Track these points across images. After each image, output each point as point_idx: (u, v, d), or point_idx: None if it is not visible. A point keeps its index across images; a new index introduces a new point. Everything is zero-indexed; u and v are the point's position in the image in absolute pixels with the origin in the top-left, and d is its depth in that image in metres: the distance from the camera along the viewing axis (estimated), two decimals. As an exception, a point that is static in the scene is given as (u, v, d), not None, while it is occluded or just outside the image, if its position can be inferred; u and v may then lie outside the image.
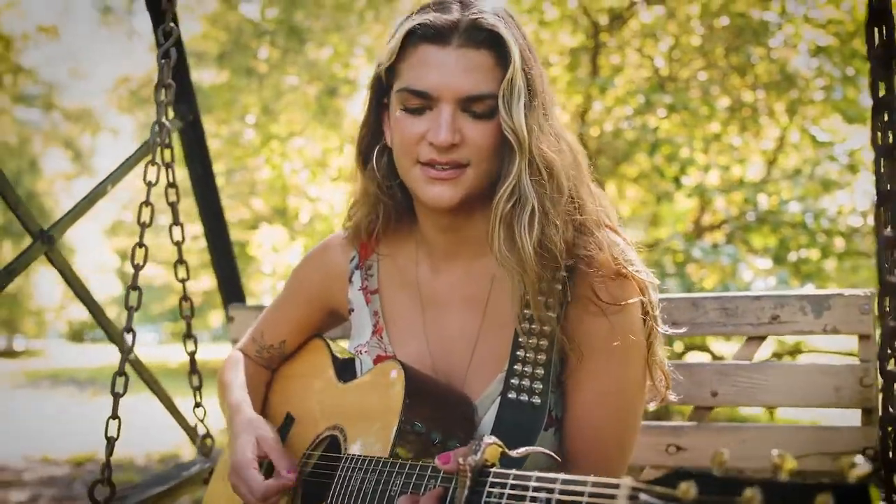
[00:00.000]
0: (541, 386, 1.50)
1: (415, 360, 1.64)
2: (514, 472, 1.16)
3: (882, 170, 1.54)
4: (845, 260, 7.41)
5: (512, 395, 1.52)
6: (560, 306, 1.51)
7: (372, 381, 1.59)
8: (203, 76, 10.34)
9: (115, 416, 2.00)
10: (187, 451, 8.23)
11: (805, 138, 8.09)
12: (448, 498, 1.24)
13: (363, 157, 1.66)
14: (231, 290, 2.66)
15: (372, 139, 1.65)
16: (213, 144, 9.43)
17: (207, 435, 2.38)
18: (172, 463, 7.76)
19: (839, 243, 7.09)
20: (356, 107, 9.46)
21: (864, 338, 2.01)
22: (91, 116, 23.04)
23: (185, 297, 2.33)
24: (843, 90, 7.53)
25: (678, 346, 6.65)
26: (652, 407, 1.64)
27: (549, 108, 1.53)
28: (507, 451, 1.22)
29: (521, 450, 1.23)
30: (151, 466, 7.74)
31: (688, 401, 2.09)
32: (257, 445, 1.61)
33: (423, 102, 1.48)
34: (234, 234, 13.84)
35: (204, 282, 16.00)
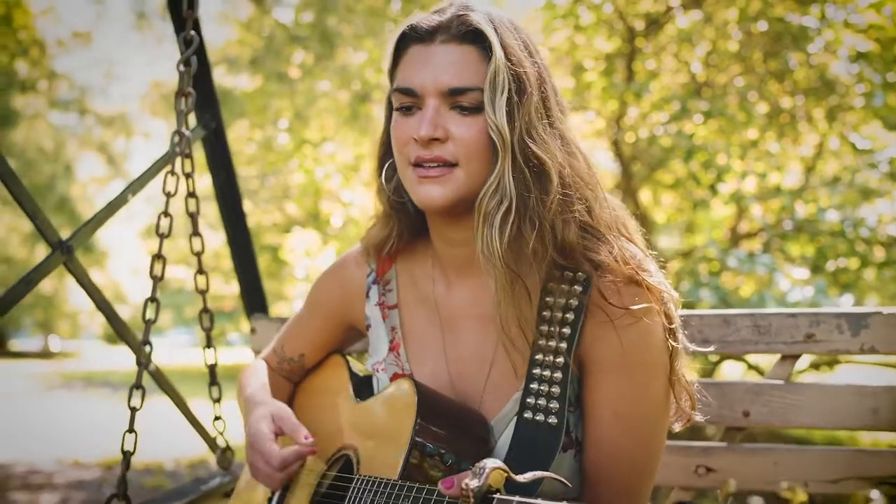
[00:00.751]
0: (557, 405, 1.44)
1: (433, 378, 1.60)
2: (517, 498, 1.11)
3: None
4: (885, 270, 7.26)
5: (528, 414, 1.46)
6: (574, 316, 1.45)
7: (385, 400, 1.55)
8: (237, 82, 10.37)
9: (131, 429, 1.98)
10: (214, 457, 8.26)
11: (844, 145, 7.94)
12: None
13: (378, 173, 1.63)
14: (254, 300, 2.62)
15: (385, 155, 1.62)
16: (246, 149, 9.47)
17: (227, 448, 2.34)
18: (202, 469, 7.77)
19: (879, 253, 6.94)
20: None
21: (903, 357, 1.93)
22: (124, 121, 23.26)
23: (205, 309, 2.30)
24: (884, 96, 7.38)
25: (712, 357, 6.55)
26: (677, 428, 1.57)
27: (552, 110, 1.49)
28: (512, 475, 1.16)
29: (528, 475, 1.18)
30: (181, 472, 7.75)
31: (718, 420, 2.02)
32: (271, 420, 1.59)
33: (411, 101, 1.47)
34: (268, 239, 13.87)
35: (235, 286, 16.08)
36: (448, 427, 1.45)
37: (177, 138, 2.13)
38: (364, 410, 1.61)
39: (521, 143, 1.42)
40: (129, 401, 1.99)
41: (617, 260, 1.43)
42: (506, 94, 1.41)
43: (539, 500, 1.08)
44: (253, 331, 2.41)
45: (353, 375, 1.78)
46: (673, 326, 1.46)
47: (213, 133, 2.52)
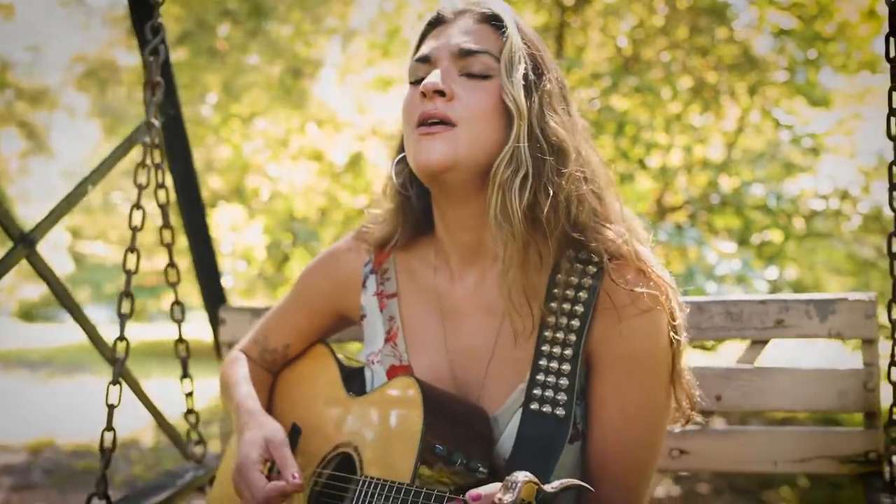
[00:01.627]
0: (565, 397, 1.46)
1: (432, 369, 1.61)
2: (560, 513, 1.12)
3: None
4: (805, 241, 7.49)
5: (534, 406, 1.48)
6: (584, 308, 1.47)
7: (387, 398, 1.54)
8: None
9: (109, 427, 1.94)
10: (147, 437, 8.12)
11: (767, 120, 8.13)
12: None
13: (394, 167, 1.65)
14: (214, 292, 2.59)
15: (399, 152, 1.65)
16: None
17: (199, 441, 2.32)
18: (134, 449, 7.65)
19: (800, 226, 7.15)
20: (320, 86, 9.35)
21: (867, 342, 2.01)
22: (47, 95, 22.45)
23: (176, 301, 2.26)
24: (807, 73, 7.58)
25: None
26: (677, 429, 1.61)
27: (569, 102, 1.54)
28: (542, 486, 1.17)
29: (556, 484, 1.19)
30: (162, 447, 7.61)
31: (692, 404, 2.08)
32: (265, 447, 1.56)
33: (426, 69, 1.50)
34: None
35: (157, 262, 15.75)
36: (453, 425, 1.46)
37: (146, 128, 2.08)
38: (363, 407, 1.60)
39: (540, 116, 1.46)
40: (106, 398, 1.95)
41: (627, 250, 1.47)
42: (522, 69, 1.46)
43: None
44: (222, 322, 2.38)
45: (341, 367, 1.77)
46: (676, 322, 1.49)
47: (173, 120, 2.47)
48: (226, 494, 1.81)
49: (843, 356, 6.81)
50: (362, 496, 1.44)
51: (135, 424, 8.14)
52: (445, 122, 1.44)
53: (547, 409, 1.47)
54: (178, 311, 2.27)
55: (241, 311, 2.38)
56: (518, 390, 1.52)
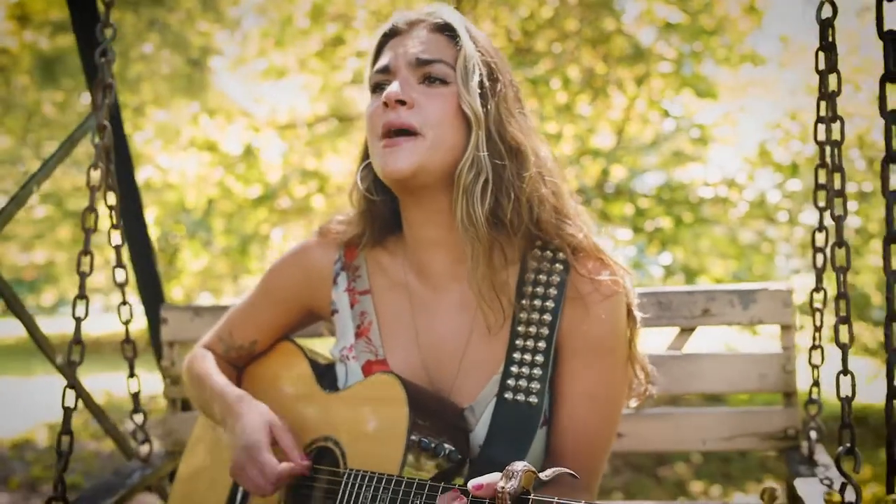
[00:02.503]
0: (538, 385, 1.55)
1: (405, 363, 1.67)
2: (556, 499, 1.21)
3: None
4: (694, 227, 7.82)
5: (508, 395, 1.57)
6: (554, 304, 1.57)
7: (368, 394, 1.60)
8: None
9: (66, 430, 1.94)
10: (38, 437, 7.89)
11: (654, 109, 8.42)
12: None
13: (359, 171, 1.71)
14: (153, 291, 2.59)
15: (364, 158, 1.70)
16: (65, 117, 9.00)
17: (146, 440, 2.33)
18: (29, 450, 7.43)
19: (690, 213, 7.46)
20: (215, 76, 9.22)
21: (785, 328, 2.18)
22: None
23: (123, 301, 2.26)
24: (693, 66, 7.90)
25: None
26: (634, 404, 1.73)
27: (523, 105, 1.63)
28: (537, 474, 1.26)
29: (549, 472, 1.28)
30: (3, 453, 7.37)
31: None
32: (269, 430, 1.60)
33: (384, 77, 1.57)
34: (73, 204, 13.21)
35: (37, 254, 15.19)
36: (433, 419, 1.53)
37: (97, 131, 2.08)
38: (341, 403, 1.65)
39: (498, 122, 1.54)
40: (62, 401, 1.95)
41: (588, 243, 1.58)
42: (477, 77, 1.53)
43: (582, 500, 1.19)
44: (164, 321, 2.39)
45: (311, 363, 1.81)
46: (633, 304, 1.61)
47: (111, 122, 2.46)
48: (194, 489, 1.85)
49: (757, 342, 7.15)
50: (349, 487, 1.50)
51: (22, 426, 7.95)
52: (409, 131, 1.51)
53: (521, 397, 1.56)
54: (125, 312, 2.27)
55: (183, 310, 2.39)
56: (492, 381, 1.60)
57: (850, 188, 6.87)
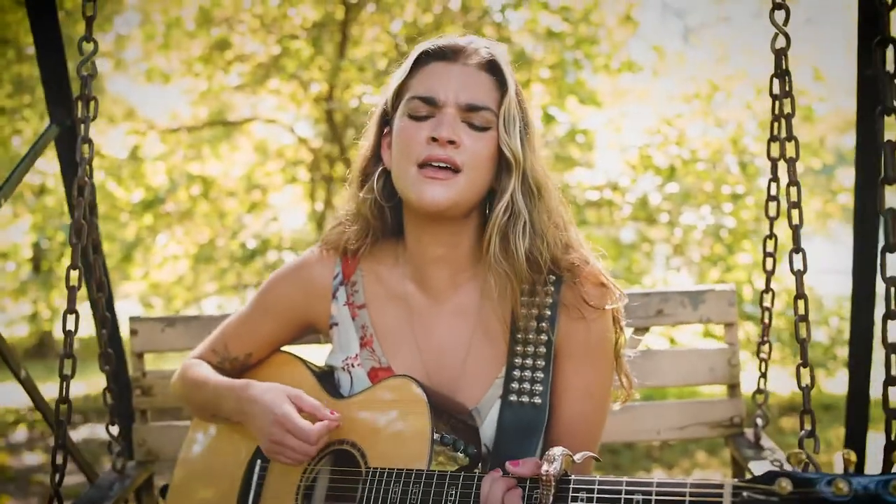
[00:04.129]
0: (541, 387, 1.70)
1: (409, 369, 1.78)
2: (598, 478, 1.36)
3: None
4: (581, 228, 8.11)
5: (513, 397, 1.71)
6: (550, 312, 1.72)
7: (385, 397, 1.70)
8: None
9: (60, 445, 1.96)
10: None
11: (541, 116, 8.68)
12: (526, 502, 1.41)
13: (363, 180, 1.80)
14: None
15: (373, 164, 1.79)
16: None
17: (121, 453, 2.35)
18: None
19: (576, 215, 7.75)
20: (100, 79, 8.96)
21: (729, 325, 2.39)
22: None
23: (104, 312, 2.28)
24: (576, 73, 8.21)
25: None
26: (617, 407, 1.89)
27: (540, 145, 1.75)
28: (574, 457, 1.41)
29: (578, 455, 1.43)
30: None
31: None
32: (289, 400, 1.69)
33: (429, 109, 1.66)
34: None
35: None
36: (449, 418, 1.66)
37: (82, 144, 2.10)
38: (355, 406, 1.74)
39: (532, 168, 1.68)
40: (55, 417, 1.97)
41: (589, 269, 1.73)
42: (518, 124, 1.66)
43: (624, 478, 1.34)
44: (134, 332, 2.41)
45: (314, 373, 1.90)
46: (620, 319, 1.78)
47: (68, 131, 2.47)
48: (198, 491, 1.90)
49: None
50: (374, 485, 1.60)
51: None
52: (452, 167, 1.63)
53: (525, 399, 1.70)
54: (105, 323, 2.29)
55: (154, 322, 2.43)
56: (495, 384, 1.74)
57: (725, 190, 7.32)
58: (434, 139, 1.62)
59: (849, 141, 12.32)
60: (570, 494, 1.37)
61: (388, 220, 1.83)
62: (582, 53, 8.30)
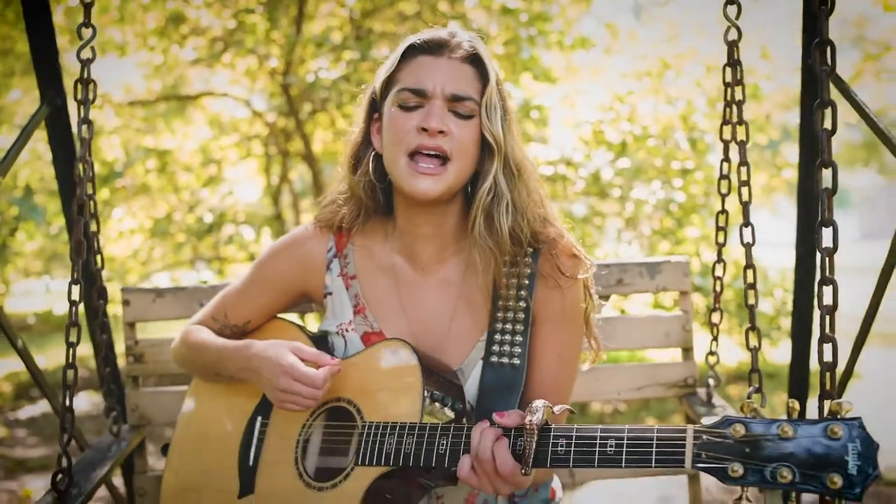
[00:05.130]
0: (520, 349, 1.87)
1: (399, 333, 1.95)
2: (576, 427, 1.54)
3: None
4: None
5: (494, 358, 1.88)
6: (528, 281, 1.88)
7: (380, 357, 1.86)
8: None
9: (68, 408, 2.09)
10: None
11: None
12: (511, 449, 1.58)
13: (355, 162, 1.95)
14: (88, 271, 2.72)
15: (364, 148, 1.94)
16: None
17: (118, 418, 2.48)
18: None
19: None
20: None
21: (683, 293, 2.59)
22: None
23: (102, 286, 2.40)
24: (530, 50, 8.35)
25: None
26: (586, 367, 2.06)
27: (518, 129, 1.91)
28: (553, 409, 1.58)
29: (558, 407, 1.61)
30: None
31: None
32: (292, 352, 1.85)
33: (418, 100, 1.81)
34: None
35: None
36: (436, 376, 1.82)
37: (83, 132, 2.21)
38: (350, 367, 1.89)
39: (512, 151, 1.84)
40: (63, 381, 2.10)
41: (565, 241, 1.90)
42: (499, 111, 1.82)
43: (599, 427, 1.51)
44: (126, 302, 2.54)
45: (311, 338, 2.05)
46: (591, 287, 1.95)
47: (58, 111, 2.57)
48: (200, 448, 2.05)
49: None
50: (370, 437, 1.76)
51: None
52: (441, 155, 1.79)
53: (505, 360, 1.87)
54: (102, 294, 2.41)
55: (145, 292, 2.55)
56: (477, 347, 1.91)
57: (675, 166, 7.54)
58: (424, 129, 1.77)
59: (793, 118, 12.69)
60: (552, 441, 1.55)
61: (379, 199, 1.98)
62: (536, 30, 8.45)
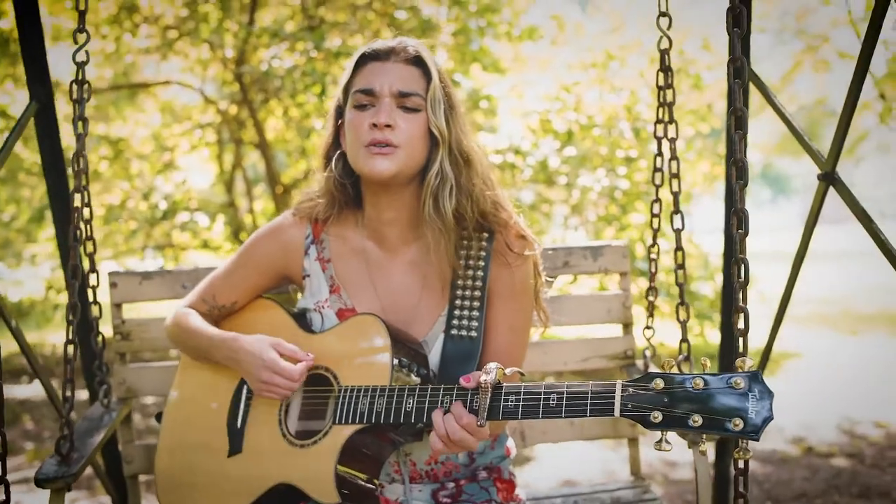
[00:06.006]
0: (476, 323, 2.12)
1: (370, 309, 2.19)
2: (523, 385, 1.80)
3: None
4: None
5: (454, 331, 2.13)
6: (484, 263, 2.14)
7: (354, 329, 2.11)
8: None
9: (69, 379, 2.29)
10: None
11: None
12: (468, 408, 1.84)
13: (326, 162, 2.20)
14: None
15: (333, 149, 2.19)
16: None
17: (109, 391, 2.68)
18: None
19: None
20: None
21: (623, 274, 2.87)
22: None
23: (92, 269, 2.60)
24: (479, 41, 8.59)
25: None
26: (536, 337, 2.32)
27: (467, 123, 2.17)
28: (504, 371, 1.84)
29: (509, 370, 1.86)
30: None
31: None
32: (274, 348, 2.09)
33: (369, 99, 2.05)
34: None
35: None
36: (403, 346, 2.07)
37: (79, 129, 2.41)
38: (327, 339, 2.14)
39: (457, 140, 2.09)
40: (64, 355, 2.31)
41: (514, 223, 2.16)
42: (443, 105, 2.07)
43: (543, 384, 1.78)
44: (114, 285, 2.75)
45: (291, 314, 2.28)
46: (539, 264, 2.22)
47: (45, 108, 2.76)
48: (190, 414, 2.28)
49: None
50: (346, 399, 2.01)
51: None
52: (391, 145, 2.03)
53: (463, 332, 2.13)
54: (93, 279, 2.62)
55: (131, 275, 2.76)
56: (439, 321, 2.16)
57: (619, 154, 7.85)
58: (374, 125, 2.02)
59: (733, 107, 13.10)
60: (503, 397, 1.81)
61: (349, 193, 2.22)
62: (485, 21, 8.68)
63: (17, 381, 9.52)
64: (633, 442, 2.87)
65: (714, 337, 8.38)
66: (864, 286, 16.17)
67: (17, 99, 9.62)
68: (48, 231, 10.02)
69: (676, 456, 5.67)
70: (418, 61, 2.09)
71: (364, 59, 2.11)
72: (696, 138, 9.13)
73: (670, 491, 5.09)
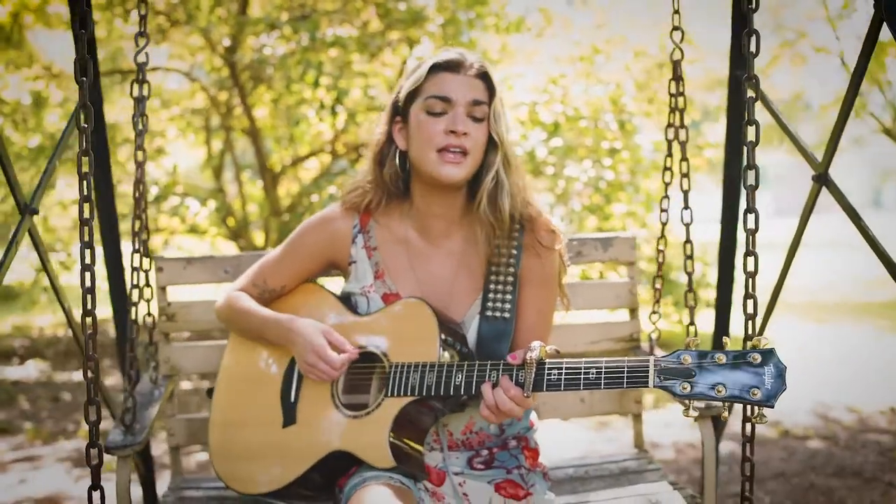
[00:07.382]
0: (509, 306, 2.36)
1: (411, 293, 2.40)
2: (566, 360, 2.04)
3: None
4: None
5: (489, 313, 2.36)
6: (516, 252, 2.37)
7: (402, 311, 2.33)
8: None
9: (91, 401, 2.20)
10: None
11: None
12: (514, 382, 2.07)
13: (379, 158, 2.42)
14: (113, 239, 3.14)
15: (388, 146, 2.41)
16: None
17: (130, 409, 2.65)
18: None
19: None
20: None
21: (630, 263, 3.11)
22: None
23: (136, 250, 2.81)
24: (468, 32, 8.76)
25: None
26: (560, 318, 2.56)
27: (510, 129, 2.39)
28: (546, 349, 2.07)
29: (550, 348, 2.09)
30: None
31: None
32: (324, 335, 2.30)
33: (444, 106, 2.25)
34: None
35: None
36: (447, 326, 2.30)
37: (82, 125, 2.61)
38: (377, 321, 2.37)
39: (509, 146, 2.33)
40: (83, 329, 2.45)
41: (544, 218, 2.39)
42: (503, 117, 2.31)
43: (584, 360, 2.01)
44: (160, 269, 2.95)
45: (339, 298, 2.50)
46: (564, 255, 2.46)
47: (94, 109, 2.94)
48: (243, 391, 2.50)
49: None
50: (398, 375, 2.24)
51: None
52: (462, 151, 2.25)
53: (497, 314, 2.36)
54: (146, 263, 2.83)
55: (176, 261, 2.97)
56: (475, 304, 2.39)
57: (604, 145, 8.08)
58: (452, 131, 2.23)
59: (714, 99, 13.47)
60: (547, 371, 2.05)
61: (400, 187, 2.45)
62: (474, 13, 8.84)
63: (8, 362, 9.66)
64: (637, 418, 3.12)
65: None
66: (828, 277, 16.57)
67: (10, 83, 9.73)
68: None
69: (674, 435, 5.95)
70: (485, 76, 2.31)
71: (436, 69, 2.29)
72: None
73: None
